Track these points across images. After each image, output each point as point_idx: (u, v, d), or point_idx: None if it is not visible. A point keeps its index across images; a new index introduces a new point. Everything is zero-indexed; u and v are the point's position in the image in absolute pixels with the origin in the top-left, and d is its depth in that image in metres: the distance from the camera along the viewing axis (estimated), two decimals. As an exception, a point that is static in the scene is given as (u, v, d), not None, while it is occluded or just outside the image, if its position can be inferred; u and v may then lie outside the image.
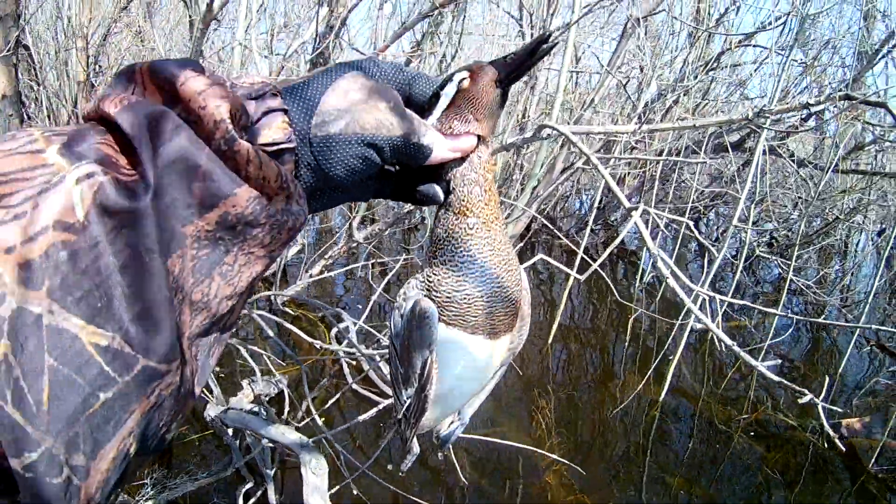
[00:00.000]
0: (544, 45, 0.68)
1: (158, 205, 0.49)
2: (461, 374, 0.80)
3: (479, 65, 0.71)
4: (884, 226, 8.01)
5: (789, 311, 6.47)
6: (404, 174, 0.73)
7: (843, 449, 2.35)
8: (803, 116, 6.30)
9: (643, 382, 4.46)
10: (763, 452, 4.01)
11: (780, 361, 2.24)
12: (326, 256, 3.95)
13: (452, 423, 0.98)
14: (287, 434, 2.40)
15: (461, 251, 0.74)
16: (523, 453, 3.64)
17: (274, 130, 0.58)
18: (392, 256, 4.20)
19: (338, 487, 2.56)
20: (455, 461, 3.55)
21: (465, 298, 0.74)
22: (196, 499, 3.04)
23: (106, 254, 0.47)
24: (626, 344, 5.42)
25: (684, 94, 5.42)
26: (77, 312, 0.46)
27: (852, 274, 7.77)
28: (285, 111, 0.60)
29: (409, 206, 3.69)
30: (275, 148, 0.58)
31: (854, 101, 2.62)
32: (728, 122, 3.09)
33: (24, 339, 0.44)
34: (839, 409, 2.33)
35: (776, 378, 2.36)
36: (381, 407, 2.72)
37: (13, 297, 0.44)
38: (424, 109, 0.70)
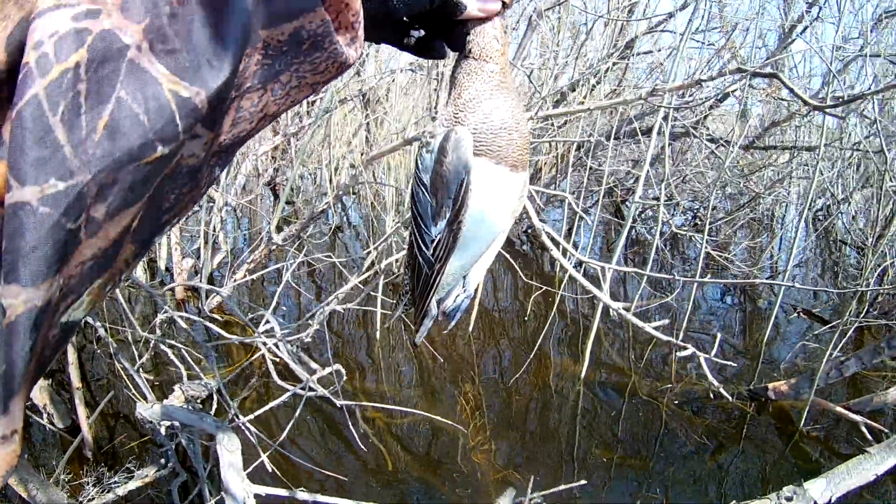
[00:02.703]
0: None
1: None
2: (488, 208, 0.88)
3: None
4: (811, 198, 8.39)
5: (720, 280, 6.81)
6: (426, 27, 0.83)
7: (730, 398, 2.65)
8: (718, 97, 6.69)
9: (527, 358, 4.72)
10: (694, 421, 4.27)
11: (667, 322, 2.51)
12: (249, 261, 4.19)
13: (458, 295, 1.05)
14: (204, 418, 2.67)
15: (485, 88, 0.85)
16: (451, 436, 3.90)
17: None
18: (318, 255, 4.45)
19: (253, 466, 2.83)
20: (381, 446, 3.82)
21: (490, 127, 0.84)
22: (134, 497, 3.28)
23: (201, 35, 0.49)
24: (539, 324, 5.59)
25: (597, 83, 5.76)
26: (165, 63, 0.47)
27: (777, 245, 8.19)
28: None
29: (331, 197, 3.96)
30: None
31: (746, 73, 2.93)
32: (622, 102, 3.44)
33: (102, 59, 0.44)
34: (731, 363, 2.66)
35: (664, 337, 2.71)
36: (290, 393, 2.99)
37: (109, 18, 0.44)
38: None
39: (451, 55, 0.89)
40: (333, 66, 0.61)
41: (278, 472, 3.03)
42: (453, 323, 1.04)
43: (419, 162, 0.90)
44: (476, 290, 1.08)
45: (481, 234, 0.91)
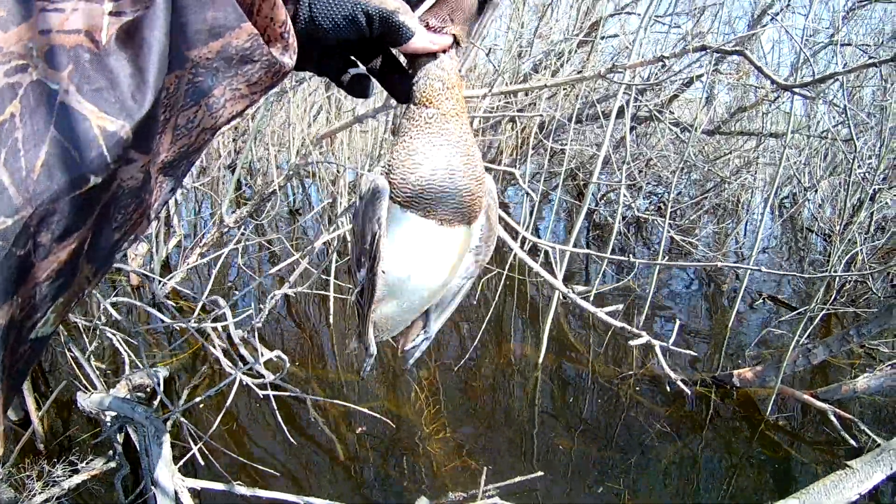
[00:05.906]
0: None
1: (172, 21, 0.54)
2: (415, 261, 0.86)
3: None
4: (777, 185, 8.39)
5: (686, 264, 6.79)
6: (375, 63, 0.81)
7: (689, 392, 2.54)
8: (685, 82, 6.63)
9: (485, 344, 4.63)
10: (656, 409, 4.23)
11: (621, 307, 2.43)
12: (202, 244, 4.10)
13: (418, 335, 1.05)
14: (135, 409, 2.57)
15: (418, 137, 0.80)
16: (406, 424, 3.83)
17: None
18: (277, 236, 4.36)
19: (185, 459, 2.73)
20: (334, 437, 3.72)
21: (417, 181, 0.80)
22: (79, 489, 3.19)
23: (122, 73, 0.51)
24: (497, 309, 5.65)
25: (560, 65, 5.67)
26: (91, 101, 0.50)
27: (742, 231, 8.20)
28: None
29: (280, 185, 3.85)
30: None
31: (709, 50, 2.85)
32: (581, 78, 3.34)
33: (34, 106, 0.48)
34: (692, 353, 2.54)
35: (618, 324, 2.59)
36: (229, 380, 2.87)
37: (35, 70, 0.48)
38: (412, 4, 0.76)
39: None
40: (268, 75, 0.63)
41: (217, 465, 2.92)
42: (411, 361, 1.06)
43: (354, 208, 0.90)
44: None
45: (412, 286, 0.90)
